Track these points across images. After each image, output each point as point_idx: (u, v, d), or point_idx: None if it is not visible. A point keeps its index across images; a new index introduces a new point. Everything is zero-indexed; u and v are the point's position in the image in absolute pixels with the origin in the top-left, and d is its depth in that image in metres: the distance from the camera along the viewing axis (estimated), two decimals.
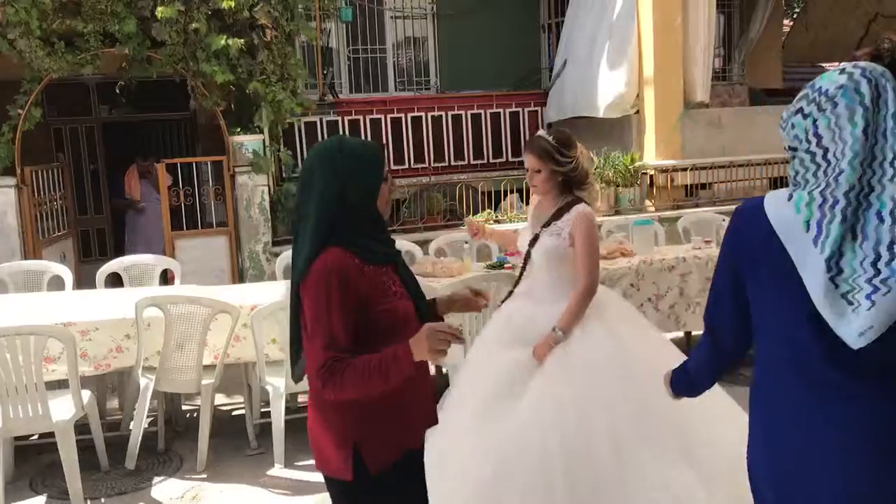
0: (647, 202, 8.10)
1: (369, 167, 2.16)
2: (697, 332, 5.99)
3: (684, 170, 8.15)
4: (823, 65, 15.46)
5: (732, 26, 11.31)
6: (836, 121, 1.66)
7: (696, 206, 8.08)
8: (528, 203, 7.94)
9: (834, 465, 1.67)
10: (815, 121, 1.70)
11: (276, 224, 7.11)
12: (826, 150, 1.67)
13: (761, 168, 8.54)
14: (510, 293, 3.64)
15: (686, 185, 8.28)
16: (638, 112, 8.42)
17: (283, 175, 7.53)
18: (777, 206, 1.72)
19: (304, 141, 8.48)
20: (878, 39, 9.57)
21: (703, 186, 8.42)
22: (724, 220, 6.42)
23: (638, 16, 8.21)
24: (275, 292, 4.79)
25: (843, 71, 1.70)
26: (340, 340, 2.02)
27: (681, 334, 6.09)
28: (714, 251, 5.39)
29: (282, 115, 6.84)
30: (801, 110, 1.74)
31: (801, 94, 1.77)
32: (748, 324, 1.83)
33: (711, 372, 2.07)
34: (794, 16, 13.70)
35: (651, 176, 8.12)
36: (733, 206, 7.05)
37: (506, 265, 5.07)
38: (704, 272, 5.25)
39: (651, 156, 8.18)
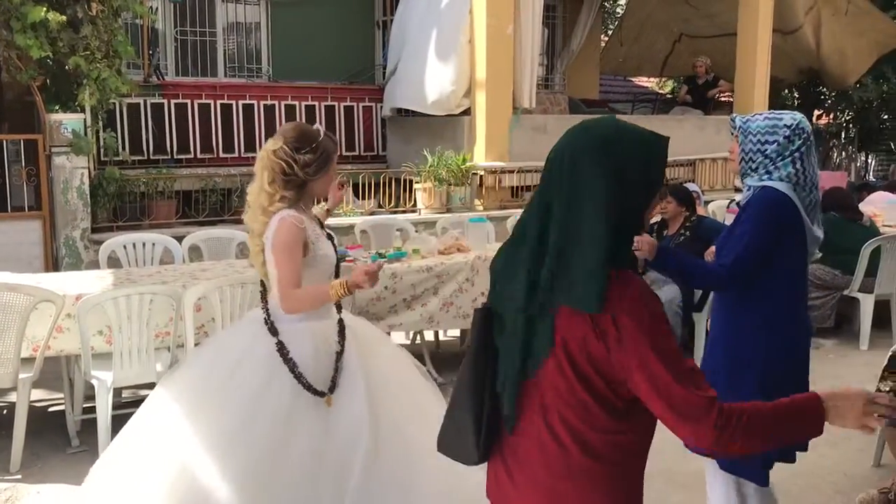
0: (477, 202, 8.39)
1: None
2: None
3: (511, 172, 8.51)
4: (633, 78, 16.70)
5: (555, 39, 11.95)
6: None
7: (521, 207, 8.46)
8: (364, 198, 8.02)
9: None
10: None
11: (97, 210, 6.70)
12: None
13: None
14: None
15: (512, 187, 8.65)
16: (467, 113, 8.70)
17: (105, 158, 7.11)
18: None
19: (126, 123, 8.04)
20: (695, 63, 10.45)
21: (528, 188, 8.83)
22: None
23: (472, 21, 8.47)
24: (100, 282, 4.55)
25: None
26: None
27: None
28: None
29: (106, 94, 6.45)
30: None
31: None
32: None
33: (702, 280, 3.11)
34: (610, 32, 14.66)
35: (481, 176, 8.41)
36: None
37: (347, 258, 5.10)
38: None
39: (481, 157, 8.48)
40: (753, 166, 2.84)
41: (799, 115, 2.86)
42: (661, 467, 4.11)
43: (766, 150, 2.81)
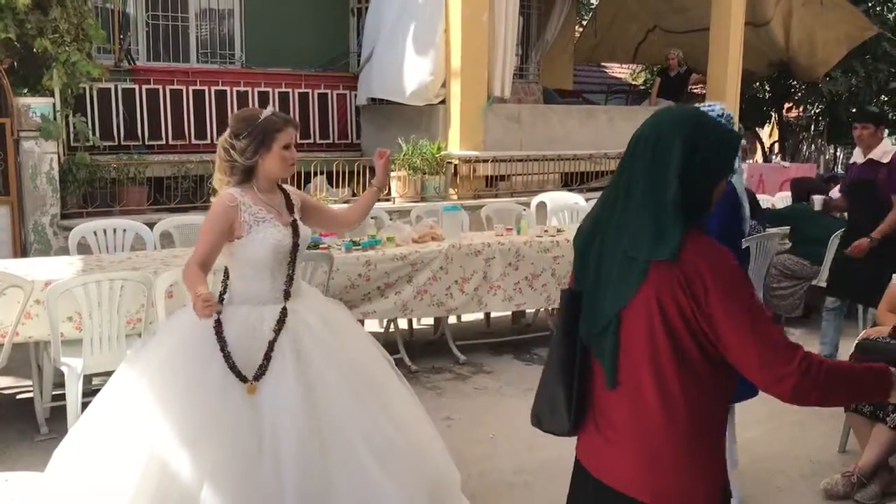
0: (451, 191, 8.39)
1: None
2: (497, 313, 6.35)
3: (486, 161, 8.52)
4: (607, 69, 16.77)
5: (530, 28, 11.95)
6: None
7: (496, 196, 8.48)
8: (338, 186, 7.99)
9: None
10: None
11: (66, 196, 6.60)
12: None
13: (554, 163, 9.11)
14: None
15: (487, 176, 8.66)
16: (444, 102, 8.68)
17: (76, 144, 7.00)
18: None
19: (96, 108, 7.93)
20: (668, 55, 10.54)
21: (502, 178, 8.85)
22: (524, 210, 6.81)
23: (447, 9, 8.46)
24: (69, 268, 4.50)
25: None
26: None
27: (481, 316, 6.42)
28: (515, 238, 5.73)
29: (76, 77, 6.34)
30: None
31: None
32: None
33: None
34: (584, 22, 14.69)
35: (455, 165, 8.41)
36: (529, 198, 7.54)
37: (321, 245, 5.08)
38: (507, 258, 5.56)
39: (456, 146, 8.47)
40: None
41: (722, 105, 3.30)
42: None
43: None
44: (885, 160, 5.13)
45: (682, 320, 1.74)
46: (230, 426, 2.79)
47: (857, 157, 5.33)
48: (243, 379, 2.84)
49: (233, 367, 2.84)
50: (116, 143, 8.08)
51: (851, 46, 12.79)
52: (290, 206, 3.14)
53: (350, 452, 2.87)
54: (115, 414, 2.89)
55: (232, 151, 2.96)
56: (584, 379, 1.92)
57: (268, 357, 2.89)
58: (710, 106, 3.34)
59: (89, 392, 4.52)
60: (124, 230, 5.56)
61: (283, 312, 2.98)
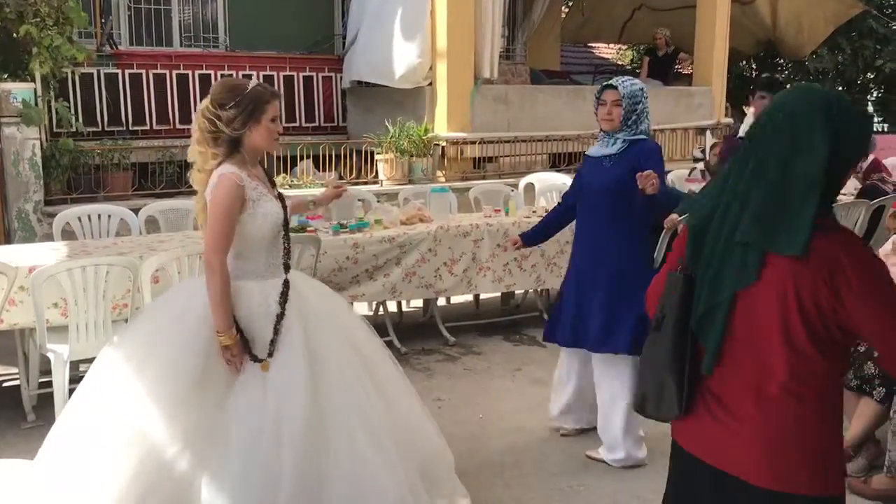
0: (439, 173, 8.35)
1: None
2: (486, 294, 6.35)
3: (473, 143, 8.49)
4: (593, 49, 16.71)
5: (516, 8, 11.88)
6: None
7: (484, 177, 8.45)
8: (325, 169, 7.94)
9: None
10: None
11: (50, 182, 6.54)
12: None
13: (542, 144, 9.08)
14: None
15: (475, 158, 8.63)
16: (431, 84, 8.63)
17: (59, 129, 6.92)
18: None
19: (79, 93, 7.84)
20: (654, 34, 10.52)
21: (490, 159, 8.82)
22: (512, 191, 6.79)
23: None
24: (54, 254, 4.46)
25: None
26: None
27: (471, 297, 6.42)
28: (504, 219, 5.71)
29: (59, 62, 6.26)
30: None
31: None
32: None
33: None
34: (570, 2, 14.62)
35: (443, 147, 8.37)
36: (517, 179, 7.51)
37: (308, 228, 5.05)
38: (496, 238, 5.54)
39: (443, 128, 8.43)
40: (628, 123, 3.74)
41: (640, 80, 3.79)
42: (585, 442, 4.18)
43: (636, 108, 3.74)
44: None
45: (817, 310, 1.74)
46: (231, 408, 2.77)
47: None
48: (255, 359, 2.82)
49: (246, 346, 2.81)
50: (100, 129, 8.00)
51: (838, 24, 12.78)
52: (271, 180, 3.10)
53: (348, 432, 2.85)
54: (104, 398, 2.85)
55: (217, 122, 2.85)
56: (695, 361, 1.91)
57: (276, 331, 2.86)
58: (629, 79, 3.84)
59: (76, 378, 4.49)
60: (109, 216, 5.52)
61: (286, 285, 2.95)
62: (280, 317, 2.89)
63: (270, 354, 2.83)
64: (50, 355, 4.00)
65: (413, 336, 5.79)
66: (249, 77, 8.74)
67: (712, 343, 1.85)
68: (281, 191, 3.10)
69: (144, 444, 2.71)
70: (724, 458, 1.86)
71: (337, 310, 3.21)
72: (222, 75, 8.80)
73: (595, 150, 3.93)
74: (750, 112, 4.98)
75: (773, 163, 1.78)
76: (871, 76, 15.20)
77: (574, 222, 4.03)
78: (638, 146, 3.75)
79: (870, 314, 1.73)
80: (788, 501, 1.81)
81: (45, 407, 4.16)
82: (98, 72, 8.01)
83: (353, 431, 2.86)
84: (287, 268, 3.02)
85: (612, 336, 3.75)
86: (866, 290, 1.72)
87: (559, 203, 4.30)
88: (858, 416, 3.81)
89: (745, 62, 15.32)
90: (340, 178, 7.96)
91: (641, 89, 3.76)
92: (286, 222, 3.04)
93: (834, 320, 1.75)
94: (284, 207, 3.04)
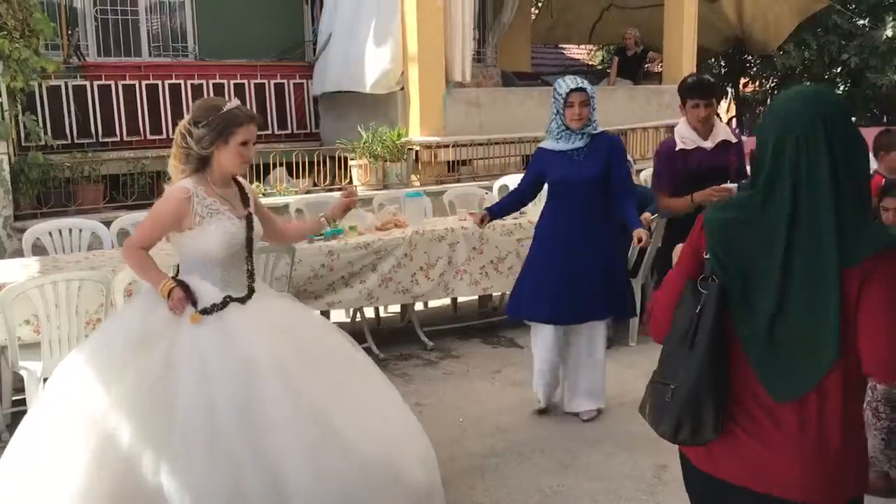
0: (413, 177, 8.35)
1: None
2: (464, 298, 6.36)
3: (447, 146, 8.49)
4: (564, 50, 16.81)
5: (486, 11, 11.91)
6: None
7: (458, 181, 8.46)
8: (298, 176, 7.90)
9: None
10: None
11: (19, 197, 6.45)
12: None
13: (515, 146, 9.11)
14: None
15: (448, 161, 8.64)
16: (403, 89, 8.62)
17: (27, 143, 6.83)
18: None
19: (47, 106, 7.75)
20: (624, 35, 10.56)
21: (464, 163, 8.83)
22: (486, 194, 6.81)
23: None
24: (25, 270, 4.41)
25: None
26: None
27: (448, 301, 6.42)
28: None
29: (28, 75, 6.18)
30: None
31: None
32: None
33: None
34: (540, 3, 14.70)
35: (417, 151, 8.37)
36: (492, 182, 7.53)
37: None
38: (472, 242, 5.55)
39: (416, 132, 8.43)
40: (591, 119, 4.13)
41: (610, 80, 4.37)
42: (610, 433, 4.21)
43: (594, 105, 4.14)
44: (735, 140, 4.62)
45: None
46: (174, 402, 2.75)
47: (692, 136, 4.53)
48: (193, 304, 2.86)
49: (190, 297, 2.87)
50: (69, 142, 7.91)
51: (802, 18, 12.96)
52: (244, 200, 3.08)
53: (335, 440, 2.82)
54: (63, 405, 2.84)
55: (188, 138, 2.90)
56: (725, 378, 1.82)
57: (224, 304, 2.90)
58: (581, 78, 4.18)
59: None
60: (80, 230, 5.46)
61: (250, 292, 3.00)
62: (225, 301, 2.91)
63: (206, 312, 2.86)
64: (23, 373, 3.94)
65: (391, 342, 5.78)
66: (221, 86, 8.80)
67: (819, 369, 1.73)
68: (252, 212, 3.07)
69: (116, 445, 2.69)
70: (764, 478, 1.78)
71: (303, 328, 3.15)
72: (192, 85, 8.76)
73: (555, 144, 4.20)
74: (682, 121, 4.56)
75: (820, 179, 1.71)
76: (837, 71, 15.41)
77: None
78: (601, 139, 4.17)
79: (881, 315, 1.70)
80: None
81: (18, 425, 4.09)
82: (66, 84, 7.93)
83: (342, 439, 2.82)
84: (251, 290, 3.02)
85: (616, 303, 4.26)
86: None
87: (516, 189, 4.66)
88: None
89: (713, 59, 15.49)
90: (314, 184, 7.93)
91: (593, 87, 4.22)
92: (248, 242, 3.02)
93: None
94: (249, 227, 3.02)
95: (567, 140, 4.15)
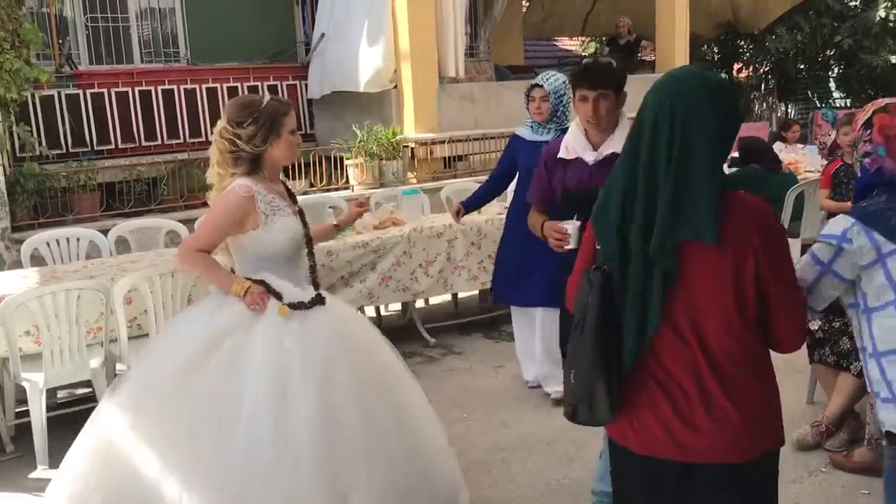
0: (410, 174, 8.34)
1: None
2: (464, 294, 6.35)
3: (442, 142, 8.49)
4: (556, 42, 16.78)
5: (477, 6, 11.89)
6: None
7: (455, 176, 8.45)
8: (295, 178, 7.89)
9: None
10: None
11: (16, 208, 6.44)
12: None
13: None
14: None
15: (445, 157, 8.63)
16: (396, 86, 8.61)
17: (22, 154, 6.83)
18: None
19: (40, 116, 7.74)
20: (618, 23, 10.51)
21: (460, 158, 8.82)
22: None
23: None
24: (24, 281, 4.40)
25: None
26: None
27: (449, 297, 6.41)
28: (476, 217, 5.70)
29: (20, 85, 6.17)
30: None
31: None
32: None
33: None
34: None
35: (412, 149, 8.36)
36: (488, 176, 7.50)
37: None
38: (470, 237, 5.55)
39: (411, 129, 8.42)
40: (557, 115, 4.26)
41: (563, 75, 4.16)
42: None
43: (563, 101, 4.22)
44: None
45: (750, 283, 1.83)
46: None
47: (578, 143, 3.20)
48: (279, 297, 2.79)
49: (271, 290, 2.79)
50: (64, 151, 7.90)
51: (795, 2, 12.93)
52: (291, 195, 3.08)
53: (390, 458, 2.80)
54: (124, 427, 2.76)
55: (238, 141, 2.81)
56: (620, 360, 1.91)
57: (310, 304, 2.84)
58: (553, 75, 4.31)
59: (54, 406, 4.47)
60: (78, 239, 5.45)
61: (319, 298, 2.91)
62: (315, 300, 2.86)
63: (294, 307, 2.80)
64: (25, 384, 3.94)
65: (393, 339, 5.60)
66: (214, 90, 8.79)
67: (645, 335, 1.86)
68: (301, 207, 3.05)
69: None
70: (692, 450, 1.88)
71: (370, 336, 3.16)
72: (185, 90, 8.74)
73: (527, 133, 4.47)
74: (574, 124, 3.29)
75: (675, 150, 1.82)
76: (831, 53, 15.37)
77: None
78: None
79: (773, 270, 1.84)
80: (760, 463, 1.91)
81: (25, 437, 4.10)
82: (59, 93, 7.91)
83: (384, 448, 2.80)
84: (316, 285, 2.99)
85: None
86: (769, 248, 1.84)
87: (490, 177, 4.88)
88: (837, 392, 3.86)
89: (706, 46, 15.44)
90: (311, 185, 7.92)
91: (564, 83, 4.20)
92: (308, 239, 2.99)
93: (754, 283, 1.84)
94: (305, 224, 2.99)
95: (537, 131, 4.40)
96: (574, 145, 3.20)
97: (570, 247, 2.87)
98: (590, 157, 3.15)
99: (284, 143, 2.88)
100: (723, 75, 2.52)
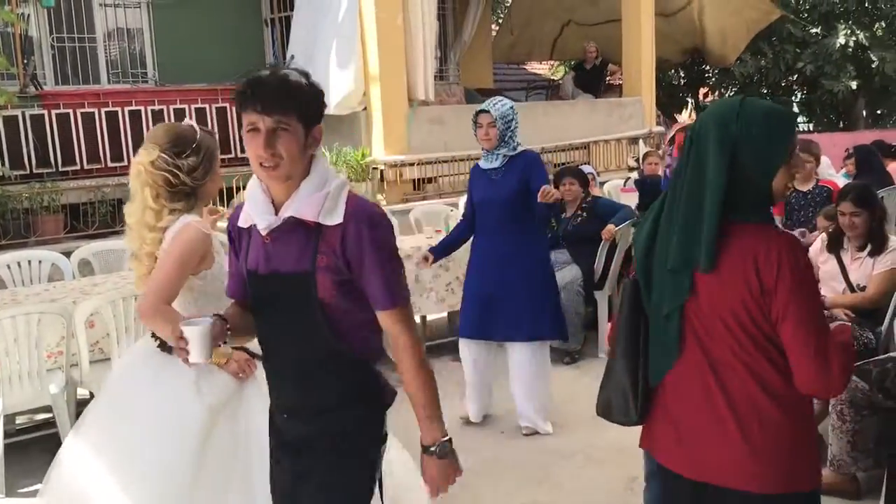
0: (379, 196, 8.35)
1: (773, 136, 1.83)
2: (432, 316, 6.33)
3: (412, 164, 8.51)
4: (525, 66, 16.95)
5: (447, 29, 11.99)
6: None
7: (424, 198, 8.47)
8: None
9: None
10: None
11: None
12: None
13: None
14: None
15: (414, 179, 8.64)
16: (366, 109, 8.63)
17: None
18: None
19: (3, 136, 7.63)
20: (587, 48, 10.59)
21: (430, 180, 8.85)
22: (451, 211, 6.81)
23: (361, 14, 8.41)
24: None
25: None
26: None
27: (417, 319, 6.38)
28: (445, 239, 5.71)
29: None
30: None
31: None
32: None
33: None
34: (500, 20, 14.83)
35: (381, 171, 8.37)
36: (457, 198, 7.55)
37: None
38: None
39: (380, 151, 8.43)
40: (505, 140, 4.19)
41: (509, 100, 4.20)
42: (581, 446, 4.20)
43: (511, 125, 4.19)
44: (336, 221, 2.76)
45: (762, 315, 1.80)
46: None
47: (255, 206, 2.02)
48: (255, 356, 2.57)
49: (247, 351, 2.59)
50: (28, 172, 7.78)
51: (758, 30, 13.21)
52: None
53: None
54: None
55: (180, 174, 2.56)
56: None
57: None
58: (500, 100, 4.25)
59: (13, 432, 4.37)
60: (40, 261, 5.37)
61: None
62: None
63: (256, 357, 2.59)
64: None
65: None
66: (182, 111, 8.73)
67: (669, 355, 1.91)
68: None
69: None
70: (707, 470, 1.89)
71: None
72: (153, 111, 8.68)
73: (482, 162, 4.40)
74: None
75: (683, 186, 1.87)
76: (794, 79, 15.71)
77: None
78: (521, 157, 4.24)
79: (784, 304, 1.78)
80: (775, 499, 1.84)
81: None
82: (23, 113, 7.80)
83: None
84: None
85: (538, 325, 4.25)
86: (785, 282, 1.77)
87: (461, 220, 4.75)
88: None
89: (673, 71, 15.71)
90: None
91: (511, 108, 4.21)
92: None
93: (769, 316, 1.81)
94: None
95: (486, 159, 4.32)
96: (250, 207, 2.02)
97: (194, 360, 1.88)
98: (263, 222, 1.97)
99: (217, 180, 2.70)
100: (772, 102, 2.31)
